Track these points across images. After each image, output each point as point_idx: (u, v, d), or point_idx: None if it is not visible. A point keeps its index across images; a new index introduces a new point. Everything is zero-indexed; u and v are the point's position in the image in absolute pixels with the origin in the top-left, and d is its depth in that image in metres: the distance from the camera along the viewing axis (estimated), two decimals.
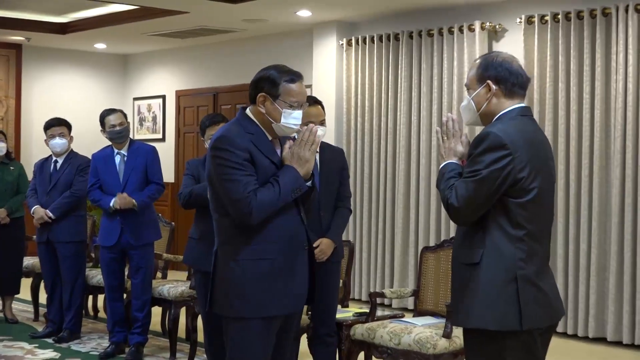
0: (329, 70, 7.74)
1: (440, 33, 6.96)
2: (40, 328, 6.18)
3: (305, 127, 3.06)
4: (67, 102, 9.68)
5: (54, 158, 5.93)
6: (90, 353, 5.53)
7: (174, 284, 5.52)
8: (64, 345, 5.71)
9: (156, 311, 5.62)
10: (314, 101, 4.09)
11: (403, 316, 4.55)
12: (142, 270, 5.34)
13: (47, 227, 5.81)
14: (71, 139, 5.94)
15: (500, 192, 2.62)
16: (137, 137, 9.77)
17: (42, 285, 6.33)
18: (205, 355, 4.38)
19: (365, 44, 7.47)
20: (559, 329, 6.02)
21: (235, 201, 2.91)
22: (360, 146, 7.54)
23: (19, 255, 6.49)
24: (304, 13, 7.36)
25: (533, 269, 2.66)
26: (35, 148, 9.00)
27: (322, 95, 7.08)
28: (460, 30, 6.78)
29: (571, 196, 6.14)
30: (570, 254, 6.14)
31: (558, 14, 6.18)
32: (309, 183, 3.07)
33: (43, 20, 8.58)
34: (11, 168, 6.40)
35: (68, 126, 5.94)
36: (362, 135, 7.54)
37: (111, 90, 10.18)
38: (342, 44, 7.67)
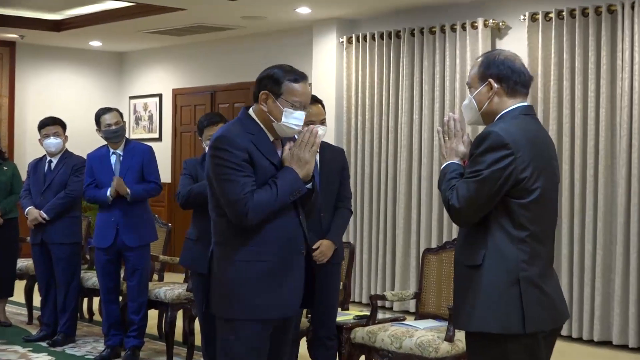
0: (329, 68, 7.73)
1: (443, 30, 6.94)
2: (34, 331, 6.17)
3: (306, 128, 3.05)
4: (62, 101, 9.68)
5: (48, 158, 5.92)
6: (86, 357, 5.51)
7: (171, 286, 5.51)
8: (58, 349, 5.69)
9: (152, 314, 5.65)
10: (314, 100, 4.07)
11: (404, 319, 4.56)
12: (138, 272, 5.33)
13: (41, 229, 5.80)
14: (66, 138, 5.93)
15: (502, 192, 2.61)
16: (133, 136, 9.77)
17: (36, 287, 6.32)
18: (202, 359, 4.38)
19: (366, 41, 7.45)
20: (563, 332, 6.01)
21: (232, 202, 2.92)
22: (361, 145, 7.53)
23: (12, 257, 6.47)
24: (304, 10, 7.34)
25: (536, 271, 2.64)
26: (29, 148, 9.02)
27: (322, 94, 7.00)
28: (463, 27, 6.77)
29: (576, 196, 6.12)
30: (575, 254, 6.12)
31: (562, 11, 6.16)
32: (309, 185, 3.07)
33: (37, 17, 8.57)
34: (4, 168, 6.37)
35: (63, 125, 5.92)
36: (363, 134, 7.52)
37: (107, 88, 10.17)
38: (343, 42, 7.65)
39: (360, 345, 4.25)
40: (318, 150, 3.10)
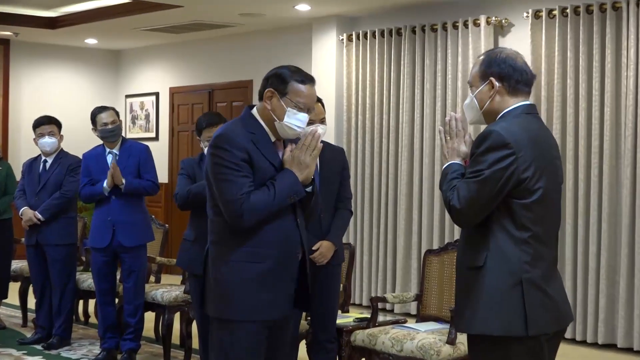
0: (329, 66, 7.72)
1: (445, 28, 6.93)
2: (28, 334, 6.14)
3: (309, 131, 3.06)
4: (57, 100, 9.68)
5: (43, 157, 5.89)
6: None
7: (168, 288, 5.50)
8: (53, 352, 5.67)
9: (149, 316, 5.61)
10: None
11: (405, 322, 4.58)
12: (135, 273, 5.32)
13: (36, 230, 5.76)
14: (61, 137, 5.91)
15: (504, 193, 2.59)
16: (129, 135, 9.78)
17: (30, 289, 6.30)
18: None
19: (367, 39, 7.45)
20: (567, 334, 5.99)
21: (228, 202, 2.92)
22: (361, 145, 7.52)
23: (6, 258, 6.43)
24: (303, 7, 7.34)
25: (539, 273, 2.62)
26: (24, 147, 9.00)
27: (322, 93, 6.94)
28: (465, 25, 6.75)
29: (580, 197, 6.12)
30: (579, 256, 6.11)
31: (566, 8, 6.15)
32: (308, 189, 3.06)
33: (32, 14, 8.59)
34: None
35: (58, 124, 5.90)
36: (363, 133, 7.51)
37: (102, 87, 10.17)
38: (343, 40, 7.64)
39: (361, 348, 4.24)
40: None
